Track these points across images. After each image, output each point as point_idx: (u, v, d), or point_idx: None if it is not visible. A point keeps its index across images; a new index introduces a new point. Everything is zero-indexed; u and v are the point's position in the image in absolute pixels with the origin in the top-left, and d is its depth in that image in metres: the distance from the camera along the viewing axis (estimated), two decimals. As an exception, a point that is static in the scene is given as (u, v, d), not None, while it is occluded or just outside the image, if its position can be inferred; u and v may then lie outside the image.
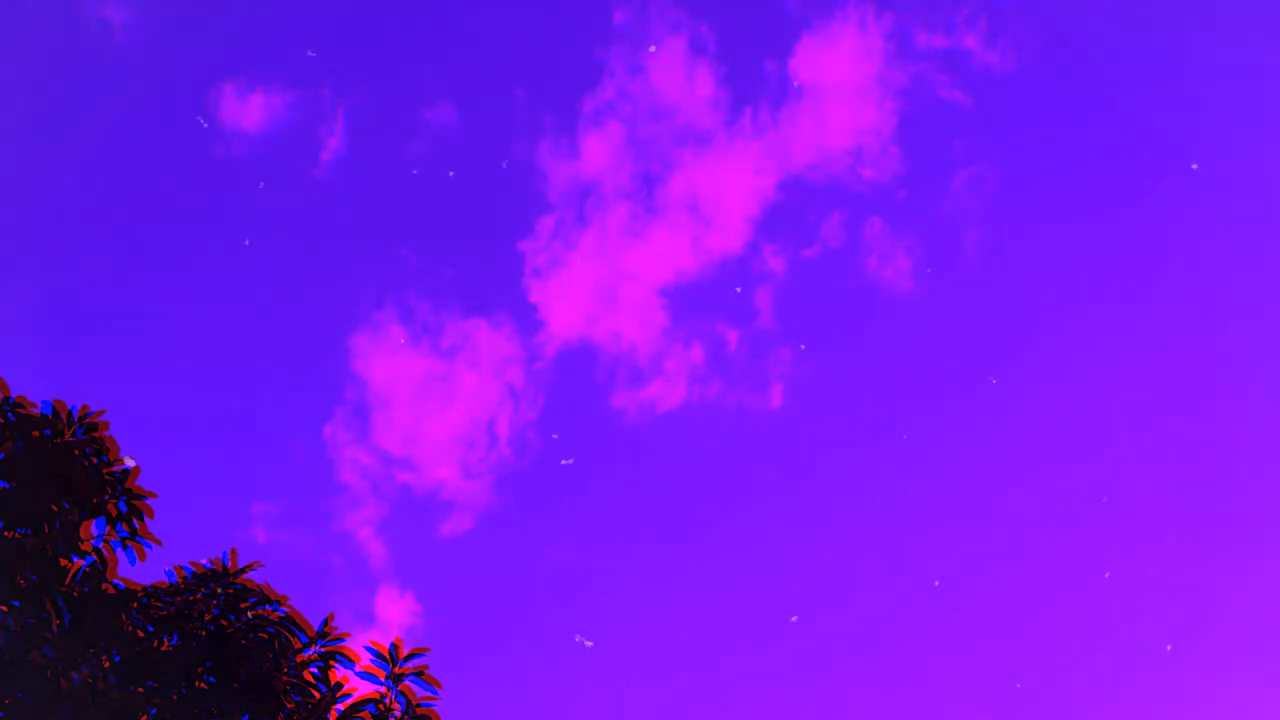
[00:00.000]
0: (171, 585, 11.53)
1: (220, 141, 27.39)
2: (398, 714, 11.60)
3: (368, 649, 11.64)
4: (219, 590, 11.51)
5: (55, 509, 11.38)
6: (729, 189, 27.92)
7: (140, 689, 11.01)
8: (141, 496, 11.67)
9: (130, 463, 11.59)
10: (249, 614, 11.54)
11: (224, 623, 11.49)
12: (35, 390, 11.64)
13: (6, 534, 11.25)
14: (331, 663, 11.68)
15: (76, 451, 11.46)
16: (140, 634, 11.27)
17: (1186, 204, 28.23)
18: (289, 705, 11.35)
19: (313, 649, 11.63)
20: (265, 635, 11.53)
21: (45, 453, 11.40)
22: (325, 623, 11.67)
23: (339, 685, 11.61)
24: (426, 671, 11.69)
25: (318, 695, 11.49)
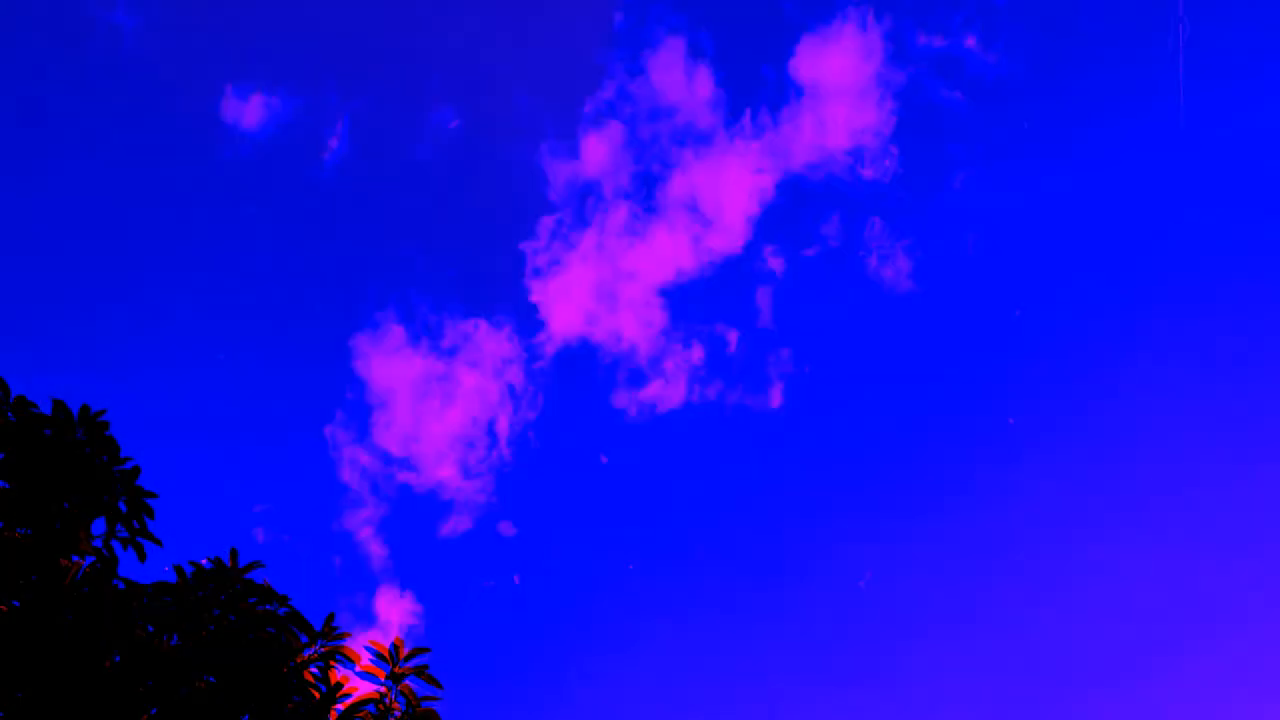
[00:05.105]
0: (172, 585, 11.54)
1: (224, 142, 27.41)
2: (398, 714, 11.61)
3: (368, 649, 11.67)
4: (220, 590, 11.52)
5: (56, 509, 11.40)
6: (729, 189, 27.94)
7: (140, 689, 11.03)
8: (143, 496, 11.69)
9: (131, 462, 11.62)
10: (250, 614, 11.55)
11: (225, 622, 11.50)
12: (36, 390, 11.66)
13: (7, 534, 11.27)
14: (332, 662, 11.69)
15: (78, 451, 11.47)
16: (141, 634, 11.29)
17: (1187, 204, 28.25)
18: (289, 705, 11.36)
19: (313, 649, 11.65)
20: (266, 635, 11.54)
21: (46, 453, 11.42)
22: (326, 622, 11.68)
23: (339, 685, 11.62)
24: (426, 671, 11.71)
25: (318, 695, 11.51)
